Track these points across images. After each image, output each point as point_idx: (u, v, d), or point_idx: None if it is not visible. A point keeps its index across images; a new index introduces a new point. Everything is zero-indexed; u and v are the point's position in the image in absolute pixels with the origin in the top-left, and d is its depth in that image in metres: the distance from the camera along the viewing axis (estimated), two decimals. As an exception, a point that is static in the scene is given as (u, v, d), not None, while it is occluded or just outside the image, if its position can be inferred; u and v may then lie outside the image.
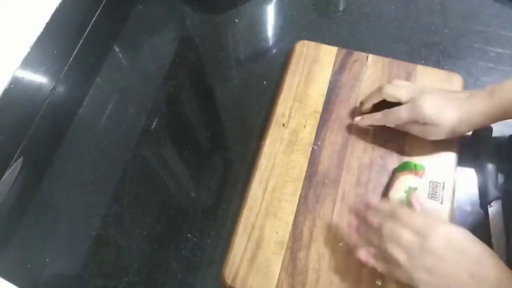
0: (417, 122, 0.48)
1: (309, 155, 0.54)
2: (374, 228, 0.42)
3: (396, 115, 0.50)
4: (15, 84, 0.57)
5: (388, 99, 0.52)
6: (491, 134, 0.53)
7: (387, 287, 0.46)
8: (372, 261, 0.43)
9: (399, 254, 0.40)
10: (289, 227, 0.50)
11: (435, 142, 0.52)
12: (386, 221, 0.41)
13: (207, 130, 0.60)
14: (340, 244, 0.48)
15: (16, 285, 0.45)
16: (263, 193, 0.52)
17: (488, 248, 0.38)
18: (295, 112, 0.57)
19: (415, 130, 0.50)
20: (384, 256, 0.41)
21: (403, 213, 0.41)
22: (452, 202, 0.50)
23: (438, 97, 0.48)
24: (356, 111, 0.56)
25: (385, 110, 0.51)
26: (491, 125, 0.53)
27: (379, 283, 0.46)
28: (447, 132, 0.48)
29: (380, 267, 0.42)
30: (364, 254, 0.43)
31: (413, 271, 0.39)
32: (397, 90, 0.51)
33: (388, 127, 0.53)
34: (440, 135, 0.49)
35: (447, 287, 0.38)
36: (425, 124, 0.48)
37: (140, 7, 0.72)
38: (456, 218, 0.50)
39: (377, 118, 0.52)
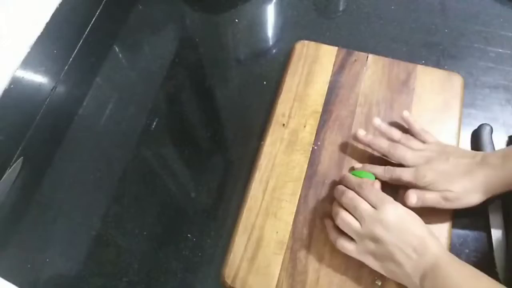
0: (424, 189, 0.46)
1: (309, 155, 0.54)
2: (339, 194, 0.47)
3: (398, 176, 0.48)
4: (15, 84, 0.57)
5: (393, 160, 0.50)
6: (491, 134, 0.53)
7: (387, 287, 0.46)
8: (331, 231, 0.47)
9: (353, 221, 0.44)
10: (289, 227, 0.50)
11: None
12: (349, 191, 0.47)
13: (207, 130, 0.60)
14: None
15: (16, 285, 0.45)
16: (263, 193, 0.52)
17: (431, 231, 0.43)
18: (295, 112, 0.57)
19: (433, 201, 0.46)
20: (342, 224, 0.45)
21: (366, 186, 0.46)
22: (452, 202, 0.50)
23: (444, 166, 0.46)
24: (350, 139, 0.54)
25: (388, 167, 0.49)
26: (491, 125, 0.54)
27: (379, 283, 0.46)
28: (463, 201, 0.45)
29: (333, 237, 0.47)
30: (329, 225, 0.48)
31: (361, 239, 0.43)
32: (405, 152, 0.49)
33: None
34: (456, 203, 0.45)
35: (390, 257, 0.42)
36: (437, 193, 0.46)
37: (140, 7, 0.72)
38: (456, 218, 0.49)
39: (378, 172, 0.50)
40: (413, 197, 0.46)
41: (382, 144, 0.51)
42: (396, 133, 0.52)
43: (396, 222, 0.42)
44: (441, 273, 0.39)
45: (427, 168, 0.46)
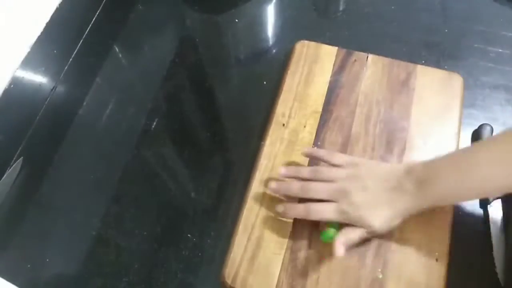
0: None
1: (309, 155, 0.54)
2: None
3: (321, 214, 0.46)
4: (15, 84, 0.57)
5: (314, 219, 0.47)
6: (492, 134, 0.53)
7: (387, 280, 0.46)
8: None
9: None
10: (289, 227, 0.50)
11: (434, 140, 0.52)
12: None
13: (207, 130, 0.60)
14: (340, 244, 0.48)
15: (16, 285, 0.45)
16: (263, 193, 0.52)
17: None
18: (295, 112, 0.57)
19: (357, 238, 0.46)
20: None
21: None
22: (452, 202, 0.50)
23: (363, 197, 0.45)
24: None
25: (309, 206, 0.47)
26: (491, 125, 0.54)
27: (380, 276, 0.46)
28: (385, 230, 0.46)
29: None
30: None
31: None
32: (316, 190, 0.47)
33: (389, 127, 0.53)
34: (378, 232, 0.46)
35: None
36: (361, 229, 0.46)
37: (140, 7, 0.72)
38: (456, 218, 0.50)
39: (299, 212, 0.48)
40: (340, 249, 0.44)
41: (293, 189, 0.49)
42: (304, 171, 0.50)
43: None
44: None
45: (346, 203, 0.45)
